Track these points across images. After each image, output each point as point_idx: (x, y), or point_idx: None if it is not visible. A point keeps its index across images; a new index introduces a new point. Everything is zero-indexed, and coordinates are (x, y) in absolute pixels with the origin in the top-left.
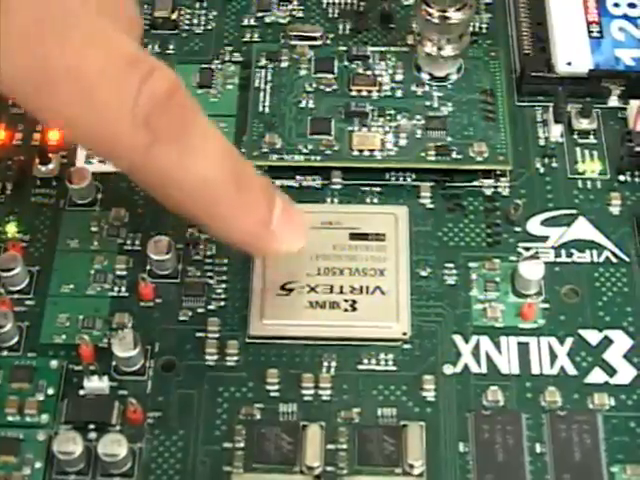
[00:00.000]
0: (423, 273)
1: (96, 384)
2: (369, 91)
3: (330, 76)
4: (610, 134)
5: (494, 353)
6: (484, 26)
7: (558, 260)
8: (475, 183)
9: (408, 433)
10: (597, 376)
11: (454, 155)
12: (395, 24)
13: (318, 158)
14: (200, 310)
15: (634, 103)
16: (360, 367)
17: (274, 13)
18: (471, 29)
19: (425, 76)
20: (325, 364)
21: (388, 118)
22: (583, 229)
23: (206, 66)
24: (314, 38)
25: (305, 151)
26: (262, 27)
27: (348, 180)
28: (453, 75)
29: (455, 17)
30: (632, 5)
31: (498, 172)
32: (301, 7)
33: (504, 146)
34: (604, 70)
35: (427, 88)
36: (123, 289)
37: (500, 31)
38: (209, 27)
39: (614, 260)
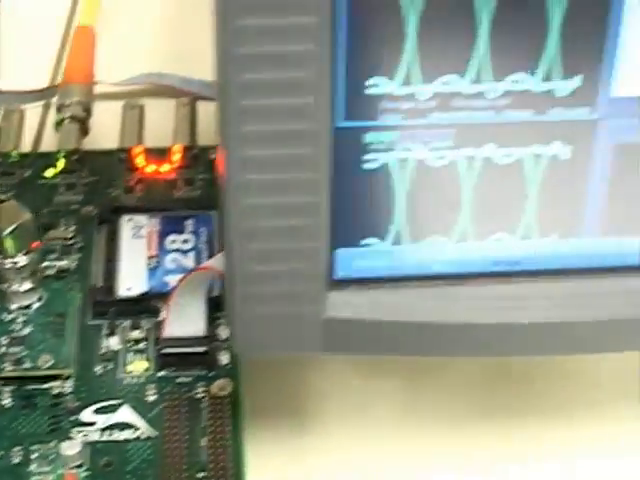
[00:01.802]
0: None
1: None
2: None
3: None
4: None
5: None
6: (74, 264)
7: (102, 439)
8: (46, 386)
9: None
10: None
11: (27, 365)
12: None
13: None
14: None
15: None
16: None
17: None
18: (64, 266)
19: (14, 306)
20: None
21: None
22: (125, 414)
23: None
24: None
25: None
26: None
27: None
28: (35, 304)
29: (21, 262)
30: (185, 241)
31: (65, 376)
32: None
33: (68, 355)
34: (153, 293)
35: (15, 314)
36: None
37: (87, 268)
38: None
39: (144, 436)
